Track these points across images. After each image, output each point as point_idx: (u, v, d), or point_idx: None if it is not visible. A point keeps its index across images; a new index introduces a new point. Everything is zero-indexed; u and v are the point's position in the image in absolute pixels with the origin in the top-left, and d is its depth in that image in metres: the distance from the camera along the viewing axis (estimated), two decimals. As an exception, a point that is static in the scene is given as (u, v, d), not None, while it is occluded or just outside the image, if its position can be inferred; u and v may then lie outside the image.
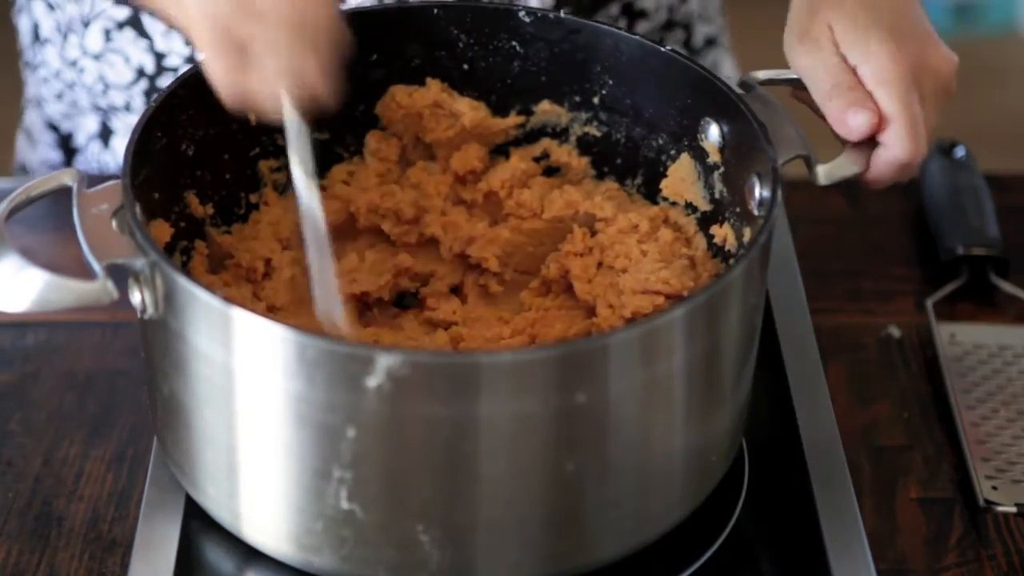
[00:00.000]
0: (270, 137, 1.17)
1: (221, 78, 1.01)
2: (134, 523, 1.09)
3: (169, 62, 1.35)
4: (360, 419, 0.94)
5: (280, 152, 1.17)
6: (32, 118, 1.48)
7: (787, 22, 1.11)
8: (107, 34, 1.36)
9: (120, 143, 1.41)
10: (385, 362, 0.92)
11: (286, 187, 1.17)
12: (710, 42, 1.46)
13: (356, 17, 1.15)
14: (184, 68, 1.34)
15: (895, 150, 1.06)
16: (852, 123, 1.05)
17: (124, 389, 1.21)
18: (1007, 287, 1.31)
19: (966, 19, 3.18)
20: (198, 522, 1.07)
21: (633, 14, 1.39)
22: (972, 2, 3.19)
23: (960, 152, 1.39)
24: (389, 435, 0.95)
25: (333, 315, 1.06)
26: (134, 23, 1.35)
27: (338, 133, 1.20)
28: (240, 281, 1.14)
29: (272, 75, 1.00)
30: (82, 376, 1.23)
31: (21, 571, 1.09)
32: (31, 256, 0.98)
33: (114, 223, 1.00)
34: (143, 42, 1.35)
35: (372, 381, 0.92)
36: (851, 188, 1.13)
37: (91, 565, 1.10)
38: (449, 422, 0.94)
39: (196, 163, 1.13)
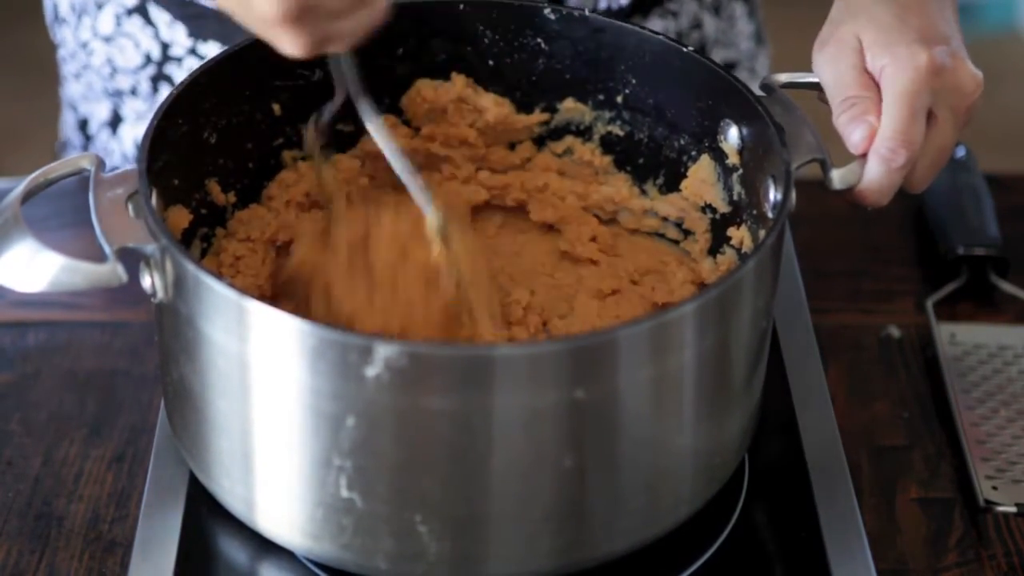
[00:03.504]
0: (294, 127, 1.18)
1: (300, 46, 0.99)
2: (134, 523, 1.09)
3: (173, 52, 1.36)
4: (359, 408, 0.95)
5: (304, 143, 1.19)
6: (62, 96, 1.50)
7: (823, 28, 1.11)
8: (118, 18, 1.37)
9: (128, 131, 1.42)
10: (383, 352, 0.92)
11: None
12: (730, 66, 1.46)
13: None
14: (187, 59, 1.35)
15: (878, 143, 1.05)
16: (853, 138, 1.05)
17: (124, 389, 1.21)
18: (1007, 287, 1.32)
19: (966, 19, 3.15)
20: (198, 522, 1.07)
21: None
22: (972, 2, 3.19)
23: (960, 152, 1.39)
24: (387, 425, 0.96)
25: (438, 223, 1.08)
26: (141, 10, 1.36)
27: (361, 127, 1.20)
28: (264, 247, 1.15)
29: (352, 31, 0.99)
30: (82, 376, 1.23)
31: (21, 571, 1.09)
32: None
33: (130, 208, 1.01)
34: (150, 30, 1.36)
35: (371, 371, 0.93)
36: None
37: (91, 565, 1.10)
38: (448, 414, 0.95)
39: (218, 151, 1.14)
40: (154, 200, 1.02)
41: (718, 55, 1.44)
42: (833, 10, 1.12)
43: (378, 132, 1.08)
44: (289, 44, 0.98)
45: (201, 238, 1.13)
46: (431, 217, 1.08)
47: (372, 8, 0.99)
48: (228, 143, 1.14)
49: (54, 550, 1.11)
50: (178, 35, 1.35)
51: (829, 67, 1.08)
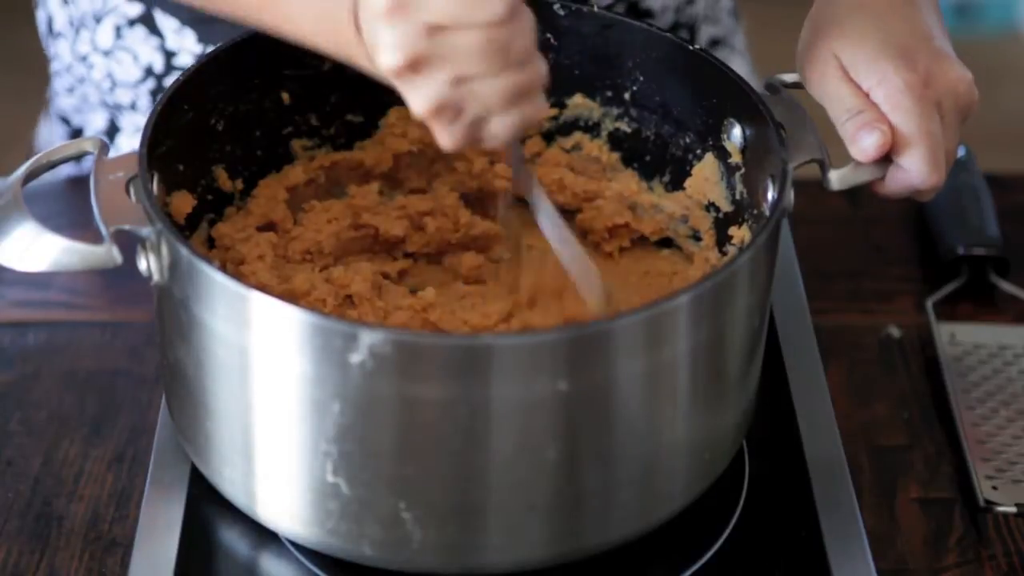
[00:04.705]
0: (303, 116, 1.18)
1: (450, 142, 0.97)
2: (134, 523, 1.09)
3: (179, 60, 1.35)
4: (345, 394, 0.95)
5: (313, 132, 1.19)
6: (51, 108, 1.49)
7: (799, 43, 1.11)
8: (118, 31, 1.36)
9: (125, 141, 1.41)
10: (368, 339, 0.93)
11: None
12: (715, 42, 1.46)
13: None
14: None
15: (913, 177, 1.06)
16: (863, 144, 1.05)
17: (124, 389, 1.21)
18: (1007, 287, 1.32)
19: (966, 19, 3.18)
20: (199, 521, 1.07)
21: (639, 13, 1.39)
22: (972, 2, 3.19)
23: (960, 152, 1.39)
24: (372, 412, 0.96)
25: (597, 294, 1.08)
26: (145, 20, 1.35)
27: (371, 117, 1.21)
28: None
29: (503, 131, 0.97)
30: (82, 376, 1.23)
31: (21, 571, 1.09)
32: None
33: (131, 191, 1.02)
34: (154, 40, 1.35)
35: (355, 357, 0.93)
36: (852, 188, 1.13)
37: (91, 565, 1.10)
38: (434, 403, 0.95)
39: (226, 138, 1.14)
40: (156, 184, 1.03)
41: (706, 32, 1.45)
42: (806, 25, 1.11)
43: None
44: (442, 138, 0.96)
45: (209, 223, 1.14)
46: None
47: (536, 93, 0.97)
48: (236, 130, 1.14)
49: (54, 550, 1.11)
50: (187, 41, 1.35)
51: (820, 87, 1.08)
